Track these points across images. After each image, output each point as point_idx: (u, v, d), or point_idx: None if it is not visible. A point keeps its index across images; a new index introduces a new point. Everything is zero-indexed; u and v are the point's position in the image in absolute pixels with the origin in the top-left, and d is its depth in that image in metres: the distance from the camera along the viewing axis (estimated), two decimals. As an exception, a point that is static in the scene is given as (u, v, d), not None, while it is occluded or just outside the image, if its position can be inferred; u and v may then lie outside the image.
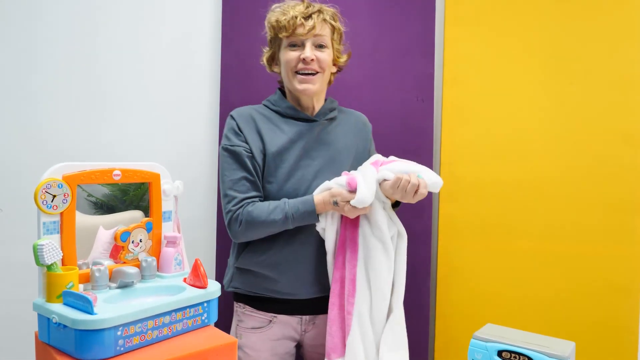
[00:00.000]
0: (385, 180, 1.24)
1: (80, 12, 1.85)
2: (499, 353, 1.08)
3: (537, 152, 1.72)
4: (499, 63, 1.75)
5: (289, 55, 1.31)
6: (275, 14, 1.33)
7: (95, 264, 1.03)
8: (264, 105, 1.40)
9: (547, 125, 1.72)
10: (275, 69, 1.40)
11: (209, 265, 1.86)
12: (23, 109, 1.83)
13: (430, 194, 1.79)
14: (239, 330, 1.36)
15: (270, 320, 1.34)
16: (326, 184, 1.28)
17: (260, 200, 1.30)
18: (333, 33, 1.35)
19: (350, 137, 1.41)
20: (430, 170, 1.28)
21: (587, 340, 1.66)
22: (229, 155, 1.31)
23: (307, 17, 1.29)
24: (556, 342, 1.09)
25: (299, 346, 1.42)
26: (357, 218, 1.28)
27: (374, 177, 1.25)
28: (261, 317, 1.34)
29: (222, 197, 1.31)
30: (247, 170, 1.29)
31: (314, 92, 1.33)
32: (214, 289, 1.06)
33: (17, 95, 1.83)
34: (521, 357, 1.05)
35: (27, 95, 1.83)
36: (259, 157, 1.31)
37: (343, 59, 1.41)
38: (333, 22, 1.35)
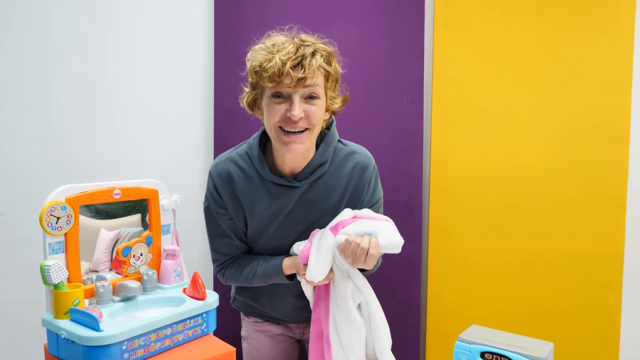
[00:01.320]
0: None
1: (84, 23, 1.89)
2: (482, 354, 1.15)
3: (524, 152, 1.77)
4: (488, 65, 1.79)
5: (273, 109, 1.12)
6: (258, 56, 1.11)
7: (99, 279, 1.09)
8: (246, 154, 1.25)
9: (534, 125, 1.76)
10: (258, 114, 1.21)
11: (207, 269, 1.92)
12: (24, 116, 1.87)
13: (420, 194, 1.86)
14: (243, 322, 1.44)
15: (270, 321, 1.40)
16: (295, 247, 1.24)
17: (244, 253, 1.31)
18: (327, 80, 1.14)
19: (339, 191, 1.24)
20: (394, 228, 1.18)
21: (572, 335, 1.74)
22: (209, 217, 1.28)
23: (297, 64, 1.07)
24: (535, 343, 1.16)
25: (301, 342, 1.49)
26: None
27: (329, 247, 1.14)
28: (261, 316, 1.41)
29: (210, 249, 1.34)
30: (226, 235, 1.28)
31: (301, 152, 1.16)
32: (212, 300, 1.12)
33: (18, 101, 1.86)
34: (502, 358, 1.12)
35: (27, 103, 1.87)
36: (239, 221, 1.26)
37: (337, 104, 1.20)
38: (327, 67, 1.12)
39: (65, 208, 1.02)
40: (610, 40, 1.70)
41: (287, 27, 1.18)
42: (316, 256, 1.14)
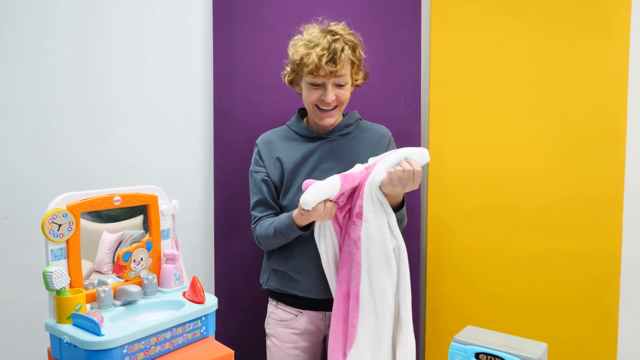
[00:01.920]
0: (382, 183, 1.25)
1: (82, 28, 1.90)
2: (476, 355, 1.17)
3: (521, 151, 1.78)
4: (485, 65, 1.80)
5: (310, 93, 1.41)
6: (299, 50, 1.38)
7: (100, 283, 1.12)
8: (287, 126, 1.54)
9: (531, 125, 1.77)
10: (297, 89, 1.50)
11: (206, 273, 1.95)
12: (25, 119, 1.89)
13: (418, 194, 1.88)
14: (269, 321, 1.53)
15: (297, 315, 1.48)
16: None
17: (275, 215, 1.46)
18: (353, 67, 1.42)
19: (363, 150, 1.48)
20: (408, 148, 1.30)
21: (571, 333, 1.75)
22: (251, 179, 1.52)
23: (330, 60, 1.34)
24: (529, 344, 1.18)
25: (325, 340, 1.53)
26: (358, 234, 1.28)
27: (331, 184, 1.26)
28: (289, 311, 1.49)
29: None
30: (262, 193, 1.48)
31: (333, 124, 1.46)
32: (211, 303, 1.14)
33: (19, 106, 1.89)
34: (496, 359, 1.14)
35: (28, 106, 1.89)
36: (276, 178, 1.47)
37: (360, 81, 1.49)
38: (353, 57, 1.40)
39: (66, 215, 1.05)
40: (606, 39, 1.71)
41: (320, 18, 1.47)
42: (317, 187, 1.25)
